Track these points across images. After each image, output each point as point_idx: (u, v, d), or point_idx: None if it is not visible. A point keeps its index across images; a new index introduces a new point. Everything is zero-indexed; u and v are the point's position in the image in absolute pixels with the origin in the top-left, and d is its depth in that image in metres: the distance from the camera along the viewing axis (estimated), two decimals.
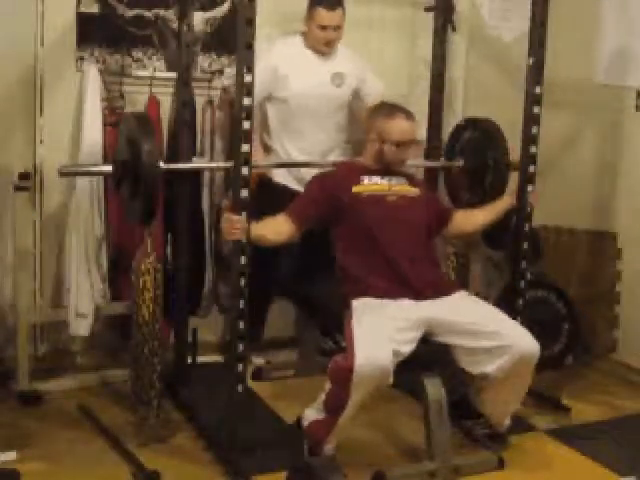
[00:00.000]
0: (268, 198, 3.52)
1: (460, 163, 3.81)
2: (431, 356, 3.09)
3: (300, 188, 3.60)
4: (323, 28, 3.66)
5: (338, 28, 3.68)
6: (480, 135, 3.74)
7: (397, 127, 3.25)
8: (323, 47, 3.73)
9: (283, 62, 3.66)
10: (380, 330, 2.92)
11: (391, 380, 2.89)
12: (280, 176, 3.80)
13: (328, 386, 2.93)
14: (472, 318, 3.08)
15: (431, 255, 3.36)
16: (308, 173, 3.60)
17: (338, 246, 3.25)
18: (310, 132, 3.77)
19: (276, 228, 3.20)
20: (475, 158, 3.74)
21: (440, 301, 3.15)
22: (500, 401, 3.22)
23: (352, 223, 3.22)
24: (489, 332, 3.03)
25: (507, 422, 3.30)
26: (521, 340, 3.05)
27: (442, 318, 3.06)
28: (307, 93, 3.72)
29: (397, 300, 3.09)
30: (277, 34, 3.87)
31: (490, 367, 3.03)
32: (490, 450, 3.22)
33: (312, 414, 3.03)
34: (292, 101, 3.72)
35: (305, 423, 3.06)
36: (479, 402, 3.26)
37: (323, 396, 2.97)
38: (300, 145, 3.78)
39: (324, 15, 3.63)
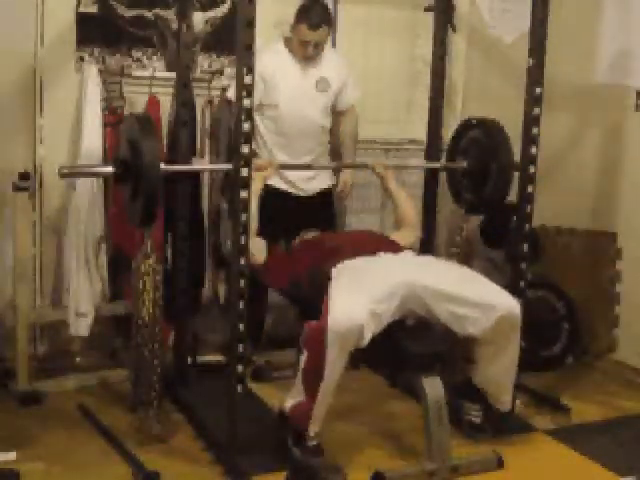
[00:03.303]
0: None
1: (464, 164, 3.80)
2: (431, 356, 3.09)
3: (287, 188, 3.87)
4: (302, 43, 3.68)
5: (318, 45, 3.71)
6: (483, 135, 3.73)
7: None
8: (302, 59, 3.76)
9: (270, 71, 3.68)
10: (356, 288, 2.94)
11: (367, 339, 2.85)
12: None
13: (303, 358, 2.93)
14: (452, 281, 3.09)
15: None
16: (293, 175, 3.85)
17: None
18: (297, 136, 3.81)
19: None
20: (478, 159, 3.73)
21: (419, 258, 3.27)
22: (494, 371, 3.21)
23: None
24: (469, 295, 3.04)
25: (508, 399, 3.29)
26: (501, 300, 3.08)
27: (422, 281, 3.04)
28: (294, 99, 3.76)
29: (376, 254, 3.19)
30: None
31: (474, 328, 3.04)
32: (472, 437, 3.28)
33: (292, 400, 3.02)
34: (280, 107, 3.76)
35: (287, 411, 3.05)
36: (476, 377, 3.27)
37: (300, 375, 2.96)
38: (287, 149, 3.82)
39: (305, 32, 3.65)
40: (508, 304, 3.08)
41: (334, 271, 3.11)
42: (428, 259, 3.38)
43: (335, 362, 2.87)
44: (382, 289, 2.95)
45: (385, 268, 3.12)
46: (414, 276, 3.06)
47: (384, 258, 3.23)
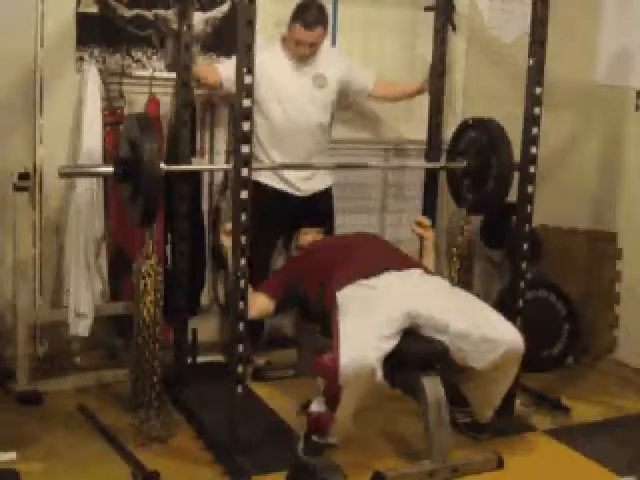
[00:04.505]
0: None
1: (464, 164, 3.80)
2: (431, 356, 3.08)
3: (283, 187, 3.82)
4: (297, 43, 3.68)
5: (313, 45, 3.70)
6: (483, 135, 3.72)
7: None
8: (297, 58, 3.75)
9: (266, 70, 3.64)
10: (365, 327, 2.94)
11: (379, 376, 2.90)
12: (263, 176, 3.79)
13: (320, 381, 2.94)
14: (458, 316, 3.07)
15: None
16: (291, 175, 3.81)
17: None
18: (294, 135, 3.77)
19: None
20: (478, 159, 3.73)
21: (424, 282, 3.24)
22: (485, 393, 3.23)
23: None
24: (475, 333, 3.03)
25: (489, 414, 3.30)
26: (507, 337, 3.07)
27: (428, 315, 3.06)
28: (290, 98, 3.74)
29: (380, 275, 3.19)
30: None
31: (476, 363, 3.05)
32: (472, 437, 3.30)
33: (316, 405, 3.03)
34: (277, 106, 3.73)
35: (310, 411, 3.06)
36: (465, 390, 3.27)
37: (321, 389, 2.98)
38: (285, 149, 3.78)
39: (300, 32, 3.64)
40: (512, 340, 3.07)
41: (339, 297, 3.12)
42: (434, 283, 3.33)
43: (351, 396, 2.90)
44: (390, 325, 2.97)
45: (391, 297, 3.09)
46: (420, 307, 3.06)
47: (389, 282, 3.20)
